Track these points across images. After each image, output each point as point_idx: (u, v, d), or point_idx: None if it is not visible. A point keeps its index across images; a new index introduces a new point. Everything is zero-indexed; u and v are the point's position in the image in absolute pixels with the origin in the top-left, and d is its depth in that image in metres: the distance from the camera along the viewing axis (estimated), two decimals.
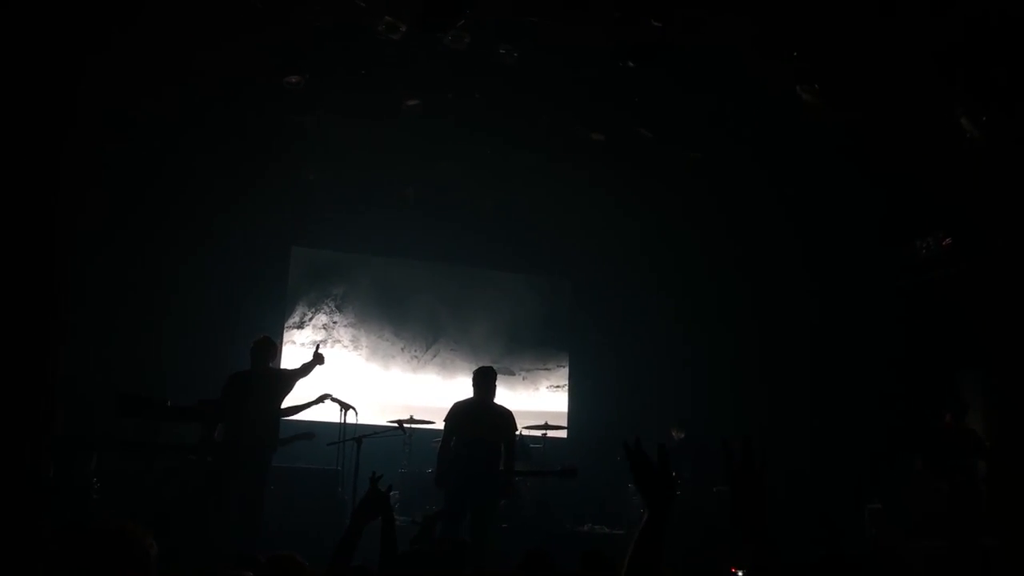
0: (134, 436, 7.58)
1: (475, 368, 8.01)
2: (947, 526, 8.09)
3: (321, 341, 10.55)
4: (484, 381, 7.63)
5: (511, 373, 12.12)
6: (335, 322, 11.74)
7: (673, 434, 10.13)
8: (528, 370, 12.34)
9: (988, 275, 8.81)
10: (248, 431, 7.59)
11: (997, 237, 8.59)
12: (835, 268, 10.47)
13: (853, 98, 8.32)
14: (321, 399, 8.43)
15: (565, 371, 12.43)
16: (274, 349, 8.28)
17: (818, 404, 10.35)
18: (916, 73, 7.91)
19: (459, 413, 7.61)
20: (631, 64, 8.39)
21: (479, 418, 7.50)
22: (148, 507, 7.16)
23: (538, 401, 12.20)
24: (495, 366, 8.19)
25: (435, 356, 12.05)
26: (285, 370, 8.58)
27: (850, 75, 8.02)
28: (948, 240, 9.04)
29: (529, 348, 12.42)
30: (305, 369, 8.15)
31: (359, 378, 11.48)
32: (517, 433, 8.24)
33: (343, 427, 8.68)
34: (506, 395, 12.06)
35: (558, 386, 12.33)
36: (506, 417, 7.63)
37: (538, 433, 9.96)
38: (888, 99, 8.22)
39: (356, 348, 11.79)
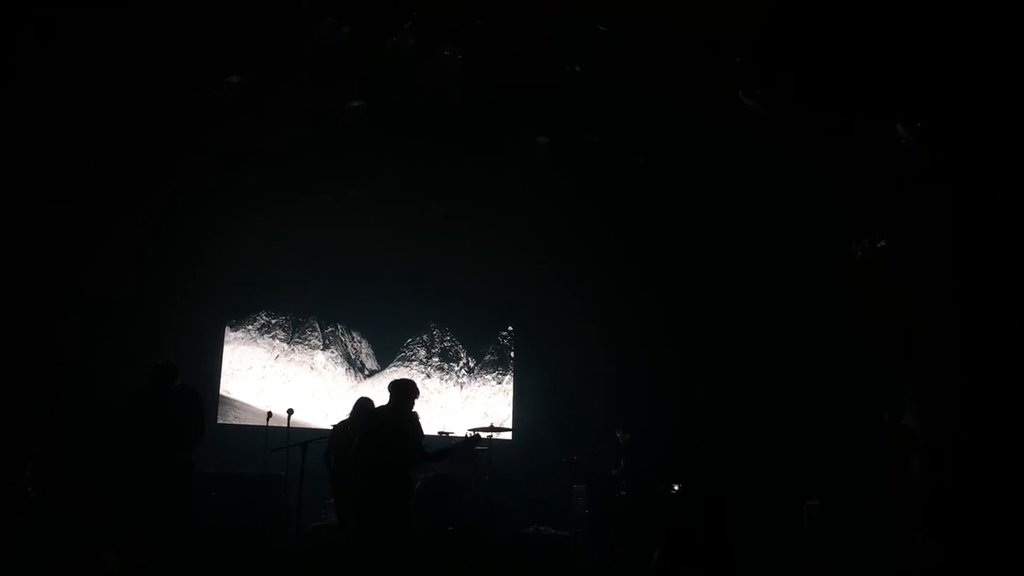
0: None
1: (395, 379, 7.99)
2: (885, 524, 8.34)
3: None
4: (401, 394, 7.65)
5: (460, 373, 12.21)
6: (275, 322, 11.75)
7: (618, 436, 10.21)
8: (474, 374, 12.38)
9: (923, 276, 9.08)
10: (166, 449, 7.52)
11: (931, 239, 8.87)
12: (774, 271, 10.64)
13: (795, 103, 8.54)
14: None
15: (500, 374, 12.47)
16: (176, 373, 8.01)
17: (758, 404, 10.52)
18: (855, 80, 8.15)
19: (372, 419, 7.69)
20: (577, 68, 8.57)
21: (395, 428, 7.53)
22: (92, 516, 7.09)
23: (483, 404, 12.24)
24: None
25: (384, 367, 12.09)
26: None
27: (792, 82, 8.23)
28: (883, 242, 9.28)
29: (475, 351, 12.47)
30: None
31: (302, 381, 11.49)
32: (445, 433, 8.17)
33: (288, 432, 8.66)
34: (452, 398, 12.12)
35: (503, 390, 12.39)
36: (413, 422, 7.71)
37: (483, 435, 9.95)
38: (829, 104, 8.43)
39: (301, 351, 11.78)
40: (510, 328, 12.64)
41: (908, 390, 9.56)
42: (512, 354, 12.55)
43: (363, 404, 8.64)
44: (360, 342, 12.17)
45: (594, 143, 9.62)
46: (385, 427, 7.51)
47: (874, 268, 9.36)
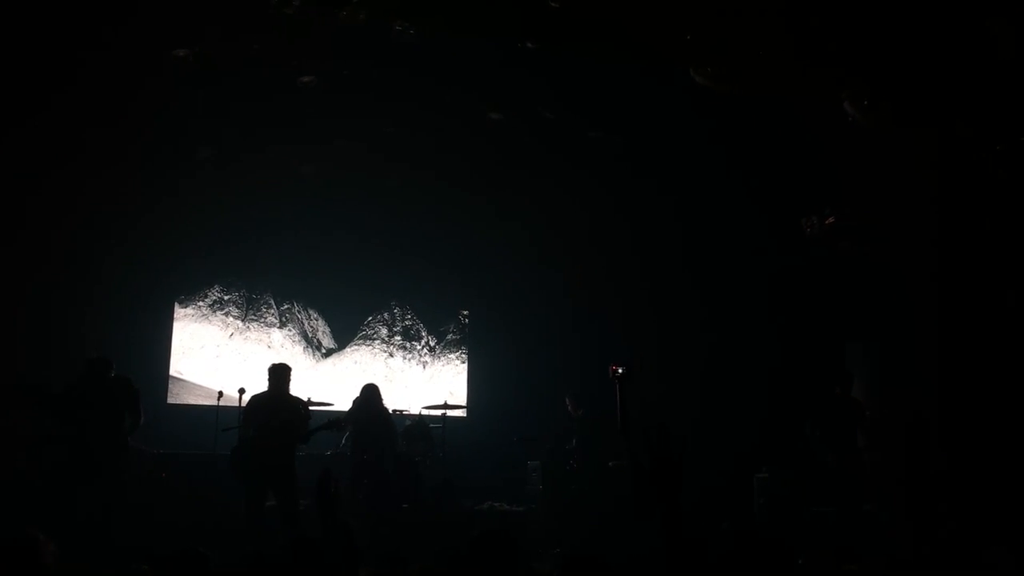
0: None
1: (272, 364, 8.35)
2: (833, 494, 8.49)
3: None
4: (278, 376, 8.12)
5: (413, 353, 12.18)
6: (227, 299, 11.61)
7: (567, 402, 10.25)
8: (430, 352, 12.34)
9: (871, 252, 9.16)
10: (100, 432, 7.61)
11: (879, 215, 8.94)
12: (725, 247, 10.67)
13: (745, 80, 8.52)
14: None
15: (464, 353, 12.43)
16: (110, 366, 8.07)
17: (709, 377, 10.59)
18: (802, 56, 8.14)
19: (256, 405, 8.08)
20: (530, 45, 8.47)
21: (273, 410, 7.98)
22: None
23: (448, 383, 12.21)
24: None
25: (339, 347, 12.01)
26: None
27: (741, 58, 8.20)
28: (832, 219, 9.35)
29: (435, 329, 12.42)
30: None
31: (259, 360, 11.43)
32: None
33: (240, 412, 8.61)
34: (406, 376, 12.08)
35: (458, 366, 12.37)
36: (297, 407, 8.15)
37: (438, 413, 9.96)
38: (775, 82, 8.43)
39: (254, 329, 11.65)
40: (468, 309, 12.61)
41: (857, 363, 9.69)
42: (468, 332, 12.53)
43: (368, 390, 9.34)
44: (317, 320, 12.05)
45: (553, 120, 9.56)
46: (266, 410, 7.95)
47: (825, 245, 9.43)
